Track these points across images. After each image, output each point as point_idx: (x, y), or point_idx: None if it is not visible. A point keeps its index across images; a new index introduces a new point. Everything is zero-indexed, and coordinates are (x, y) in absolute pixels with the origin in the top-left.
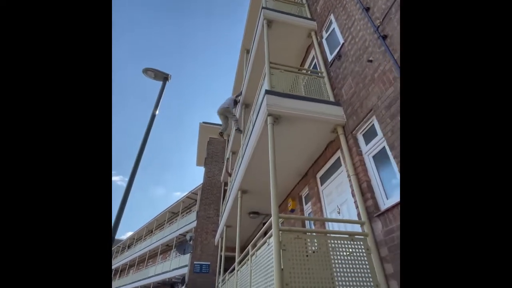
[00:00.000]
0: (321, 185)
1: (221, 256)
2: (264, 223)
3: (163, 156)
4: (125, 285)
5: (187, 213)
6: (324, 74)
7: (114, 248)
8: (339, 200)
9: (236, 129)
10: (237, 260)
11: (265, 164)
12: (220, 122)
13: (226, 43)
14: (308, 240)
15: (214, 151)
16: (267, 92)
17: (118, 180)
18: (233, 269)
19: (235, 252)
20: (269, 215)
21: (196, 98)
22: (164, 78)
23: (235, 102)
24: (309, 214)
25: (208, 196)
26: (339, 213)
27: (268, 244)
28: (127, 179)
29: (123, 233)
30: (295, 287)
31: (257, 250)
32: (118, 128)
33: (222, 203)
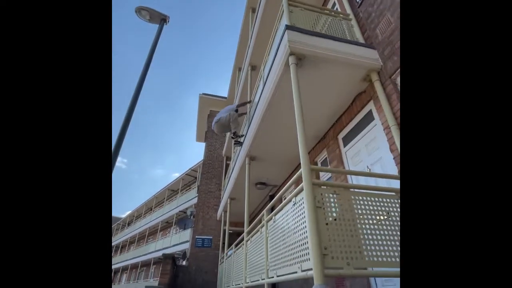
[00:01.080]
0: (344, 146)
1: (224, 230)
2: (271, 196)
3: (161, 137)
4: (126, 260)
5: (186, 190)
6: (351, 16)
7: (114, 225)
8: (369, 160)
9: (235, 141)
10: (245, 230)
11: (278, 124)
12: (223, 94)
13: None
14: (352, 197)
15: None
16: (288, 27)
17: (117, 161)
18: (240, 241)
19: (238, 227)
20: (276, 186)
21: (195, 74)
22: (162, 20)
23: (238, 112)
24: (327, 180)
25: (210, 170)
26: (369, 169)
27: (295, 204)
28: (126, 160)
29: (122, 212)
30: (336, 252)
31: (275, 215)
32: (116, 106)
33: (225, 177)
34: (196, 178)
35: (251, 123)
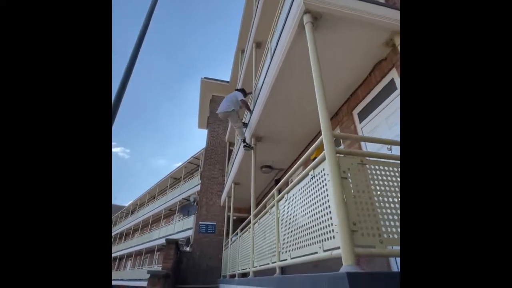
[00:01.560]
0: (360, 122)
1: (228, 216)
2: (277, 180)
3: (163, 127)
4: (130, 247)
5: (189, 178)
6: None
7: (117, 214)
8: (390, 133)
9: (244, 145)
10: (252, 213)
11: (287, 98)
12: (226, 79)
13: None
14: (381, 167)
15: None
16: None
17: (120, 151)
18: (246, 224)
19: (242, 213)
20: (282, 170)
21: (197, 62)
22: None
23: (244, 98)
24: None
25: (212, 156)
26: (390, 149)
27: (313, 177)
28: (129, 150)
29: (126, 202)
30: (366, 228)
31: (287, 193)
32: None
33: (228, 163)
34: (198, 166)
35: (257, 101)
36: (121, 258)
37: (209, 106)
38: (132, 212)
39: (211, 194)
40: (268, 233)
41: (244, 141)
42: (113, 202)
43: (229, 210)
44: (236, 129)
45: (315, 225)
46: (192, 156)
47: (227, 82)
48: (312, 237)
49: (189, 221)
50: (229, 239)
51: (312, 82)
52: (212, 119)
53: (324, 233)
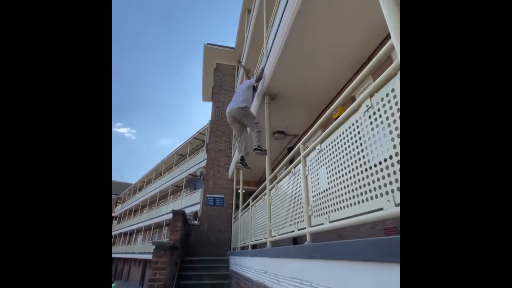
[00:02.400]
0: None
1: (237, 189)
2: (290, 148)
3: (168, 107)
4: (139, 222)
5: (195, 154)
6: None
7: (125, 191)
8: None
9: (255, 149)
10: (269, 177)
11: (309, 45)
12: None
13: None
14: None
15: (222, 78)
16: None
17: (126, 132)
18: (260, 192)
19: (250, 185)
20: (297, 137)
21: (199, 37)
22: None
23: (254, 90)
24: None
25: (218, 127)
26: None
27: (370, 107)
28: (135, 131)
29: (133, 180)
30: None
31: (320, 143)
32: (125, 78)
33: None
34: (204, 141)
35: (271, 50)
36: (131, 233)
37: (213, 75)
38: (140, 189)
39: (218, 166)
40: (289, 197)
41: (258, 146)
42: (120, 180)
43: (237, 183)
44: (254, 133)
45: (378, 176)
46: (197, 132)
47: (232, 48)
48: (375, 188)
49: (196, 196)
50: (239, 211)
51: (335, 29)
52: (217, 89)
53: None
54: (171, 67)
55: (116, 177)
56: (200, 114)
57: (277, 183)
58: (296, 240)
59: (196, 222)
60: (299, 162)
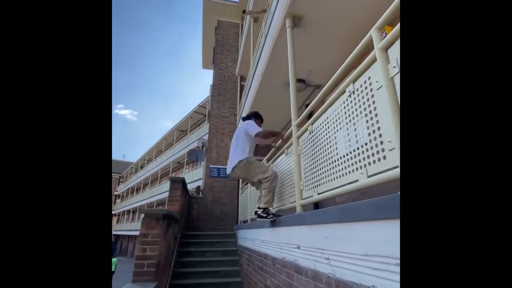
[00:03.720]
0: None
1: None
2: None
3: (168, 88)
4: (142, 200)
5: (196, 129)
6: None
7: (127, 169)
8: None
9: (259, 215)
10: (295, 122)
11: None
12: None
13: None
14: None
15: (224, 38)
16: None
17: (128, 113)
18: (287, 142)
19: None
20: (319, 87)
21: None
22: None
23: (260, 126)
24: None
25: (221, 92)
26: None
27: None
28: (136, 112)
29: (134, 159)
30: None
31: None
32: (128, 59)
33: (240, 100)
34: (205, 116)
35: None
36: (134, 211)
37: (214, 34)
38: (141, 167)
39: (221, 135)
40: (326, 145)
41: (266, 212)
42: (122, 159)
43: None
44: (263, 190)
45: None
46: (198, 105)
47: (235, 2)
48: None
49: (199, 172)
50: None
51: None
52: (219, 49)
53: None
54: (170, 46)
55: (117, 156)
56: (201, 92)
57: (312, 123)
58: (317, 205)
59: (199, 195)
60: (342, 93)
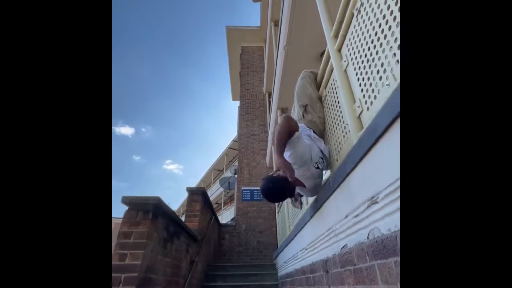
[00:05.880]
0: None
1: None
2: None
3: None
4: None
5: (232, 165)
6: None
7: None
8: None
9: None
10: (330, 35)
11: None
12: (249, 25)
13: None
14: None
15: (249, 61)
16: None
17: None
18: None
19: None
20: None
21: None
22: None
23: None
24: None
25: (249, 111)
26: None
27: None
28: (181, 166)
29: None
30: None
31: None
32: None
33: (269, 114)
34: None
35: None
36: None
37: (239, 60)
38: (183, 214)
39: (252, 153)
40: None
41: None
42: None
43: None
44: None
45: None
46: (232, 140)
47: (258, 27)
48: None
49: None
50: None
51: None
52: (244, 71)
53: None
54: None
55: None
56: (232, 100)
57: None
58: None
59: (231, 224)
60: None
